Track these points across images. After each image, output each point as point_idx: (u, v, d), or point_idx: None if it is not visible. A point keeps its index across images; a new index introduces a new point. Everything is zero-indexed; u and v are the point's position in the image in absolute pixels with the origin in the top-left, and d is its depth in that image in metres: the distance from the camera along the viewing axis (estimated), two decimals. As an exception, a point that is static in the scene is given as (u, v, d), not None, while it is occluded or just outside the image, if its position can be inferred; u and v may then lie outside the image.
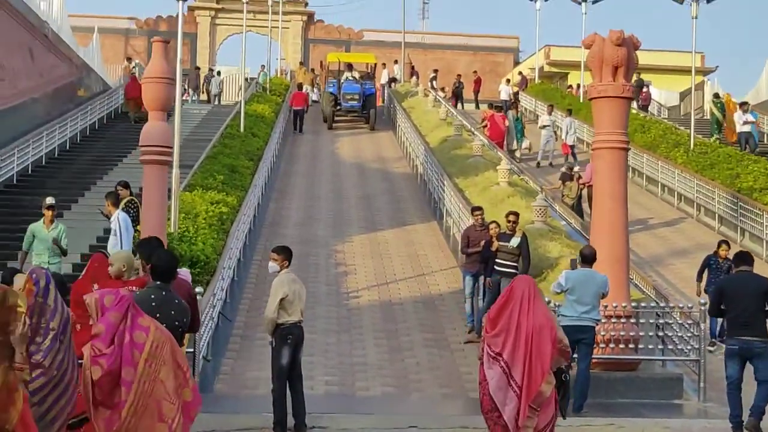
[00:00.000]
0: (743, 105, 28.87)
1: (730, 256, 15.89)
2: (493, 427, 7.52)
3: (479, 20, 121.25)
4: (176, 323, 7.83)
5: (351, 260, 20.01)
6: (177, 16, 61.63)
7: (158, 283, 8.29)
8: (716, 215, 23.13)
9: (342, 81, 38.01)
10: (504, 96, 38.73)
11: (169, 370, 6.52)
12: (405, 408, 12.46)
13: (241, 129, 26.78)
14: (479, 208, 16.16)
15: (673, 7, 31.20)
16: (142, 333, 6.45)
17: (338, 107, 37.86)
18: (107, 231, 18.17)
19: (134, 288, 9.63)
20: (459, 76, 45.77)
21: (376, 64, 43.24)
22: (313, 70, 49.15)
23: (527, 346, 7.35)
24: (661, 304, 13.54)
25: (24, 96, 25.14)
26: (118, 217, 13.89)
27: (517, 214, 15.37)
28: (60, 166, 25.88)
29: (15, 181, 23.31)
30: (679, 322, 13.06)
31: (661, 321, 13.15)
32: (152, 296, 8.13)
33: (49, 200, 15.02)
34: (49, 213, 14.84)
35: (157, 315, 7.85)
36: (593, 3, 38.33)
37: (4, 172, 22.76)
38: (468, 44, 62.04)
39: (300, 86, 39.37)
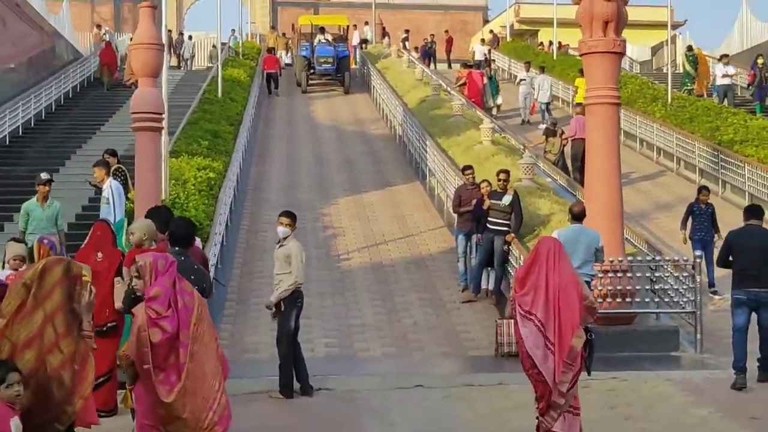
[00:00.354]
0: (723, 57, 28.96)
1: (711, 201, 16.28)
2: (535, 384, 7.58)
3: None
4: (196, 288, 7.82)
5: (338, 223, 20.00)
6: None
7: (177, 249, 8.28)
8: (696, 168, 23.28)
9: (315, 44, 37.42)
10: (479, 56, 38.53)
11: (211, 333, 6.56)
12: (407, 367, 12.52)
13: (219, 94, 26.56)
14: (469, 167, 16.18)
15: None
16: (189, 297, 6.46)
17: (312, 71, 37.30)
18: (92, 200, 18.19)
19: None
20: (432, 35, 45.61)
21: (348, 27, 42.77)
22: (284, 34, 48.75)
23: (556, 303, 7.42)
24: (657, 258, 13.61)
25: (-2, 65, 24.84)
26: (111, 185, 13.79)
27: (507, 172, 15.41)
28: (36, 135, 25.59)
29: (-7, 152, 23.07)
30: (675, 275, 13.19)
31: (656, 274, 13.30)
32: None
33: (44, 175, 14.20)
34: (44, 189, 14.02)
35: None
36: (565, -41, 38.10)
37: (-19, 143, 22.52)
38: (437, 3, 61.73)
39: (271, 50, 39.16)
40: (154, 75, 13.15)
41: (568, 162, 22.44)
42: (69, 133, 25.81)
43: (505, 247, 14.69)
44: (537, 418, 7.64)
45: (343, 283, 16.27)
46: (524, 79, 30.32)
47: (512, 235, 14.70)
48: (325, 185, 23.37)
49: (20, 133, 25.11)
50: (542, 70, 30.56)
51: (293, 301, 10.63)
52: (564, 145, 22.57)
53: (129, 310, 8.49)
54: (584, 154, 21.71)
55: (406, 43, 44.65)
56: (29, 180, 20.99)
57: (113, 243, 10.70)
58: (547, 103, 29.17)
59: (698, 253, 13.31)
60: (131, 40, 36.56)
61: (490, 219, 14.91)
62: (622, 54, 13.58)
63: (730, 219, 18.53)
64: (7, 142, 24.06)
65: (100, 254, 10.32)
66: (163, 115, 13.63)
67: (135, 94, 13.32)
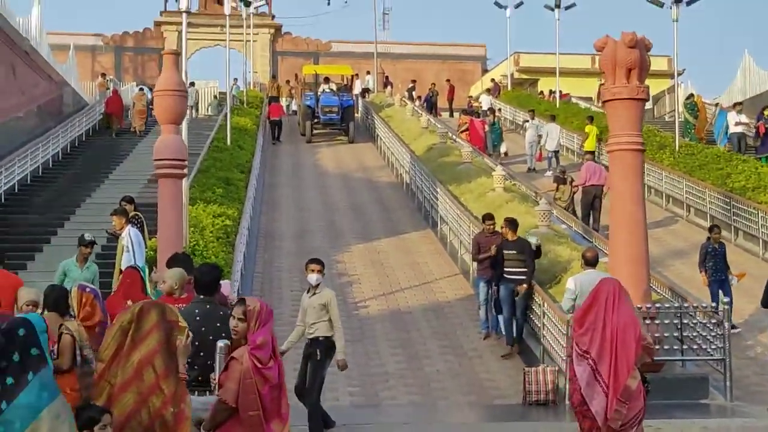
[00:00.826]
0: (737, 105, 29.02)
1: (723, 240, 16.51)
2: (582, 420, 7.77)
3: (441, 29, 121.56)
4: (223, 335, 7.67)
5: (353, 270, 19.87)
6: (143, 31, 61.26)
7: (201, 297, 8.16)
8: (708, 215, 23.20)
9: (319, 93, 37.29)
10: (486, 106, 38.56)
11: None
12: (435, 416, 12.36)
13: (228, 142, 26.56)
14: (491, 217, 16.00)
15: (640, 11, 31.50)
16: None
17: (316, 120, 37.16)
18: (105, 248, 18.01)
19: (182, 305, 9.48)
20: (433, 84, 45.91)
21: (353, 76, 42.76)
22: (288, 81, 48.82)
23: (612, 344, 7.59)
24: (684, 305, 13.51)
25: (8, 114, 24.79)
26: (129, 233, 13.64)
27: (513, 221, 15.30)
28: (45, 183, 25.53)
29: (3, 201, 22.95)
30: (702, 321, 13.07)
31: (684, 321, 13.17)
32: (196, 311, 8.00)
33: (88, 236, 13.42)
34: (85, 251, 13.22)
35: (202, 329, 7.73)
36: (566, 9, 38.45)
37: (-8, 191, 22.44)
38: (436, 53, 62.21)
39: (275, 98, 39.42)
40: (178, 122, 13.12)
41: (578, 209, 22.49)
42: (77, 181, 25.75)
43: (517, 297, 14.49)
44: None
45: (362, 331, 16.11)
46: (531, 129, 30.43)
47: (524, 285, 14.45)
48: (336, 233, 23.29)
49: (29, 181, 25.02)
50: (553, 118, 30.63)
51: (329, 349, 10.51)
52: (574, 192, 22.60)
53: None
54: (595, 200, 22.20)
55: (413, 93, 44.85)
56: (41, 227, 21.06)
57: (143, 290, 10.61)
58: (556, 152, 29.25)
59: (726, 299, 13.21)
60: (138, 88, 37.35)
61: (506, 269, 14.73)
62: (645, 100, 13.57)
63: (743, 265, 18.57)
64: (16, 190, 23.96)
65: (129, 302, 10.20)
66: (186, 162, 13.56)
67: (158, 141, 13.25)
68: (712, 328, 12.94)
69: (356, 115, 40.75)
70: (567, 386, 9.77)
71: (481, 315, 15.66)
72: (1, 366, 5.59)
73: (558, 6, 37.61)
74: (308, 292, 10.90)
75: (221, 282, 10.34)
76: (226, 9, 33.26)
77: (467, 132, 31.89)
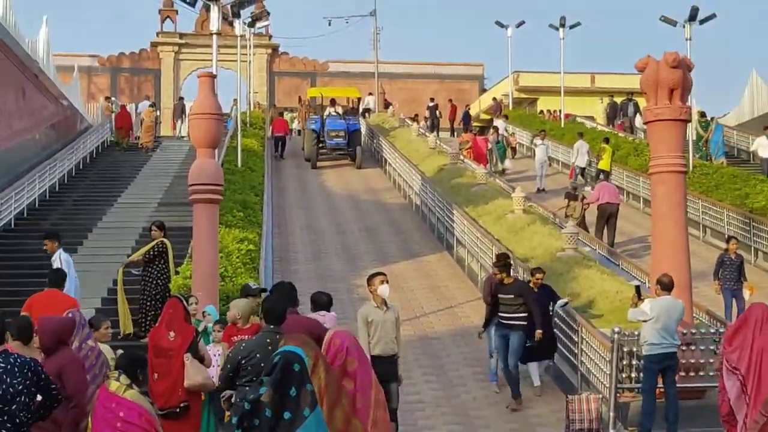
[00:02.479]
0: (766, 129, 28.87)
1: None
2: (729, 429, 8.95)
3: (435, 47, 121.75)
4: None
5: (373, 294, 19.54)
6: (139, 52, 60.88)
7: (271, 327, 7.91)
8: (726, 236, 22.99)
9: (325, 117, 35.69)
10: (502, 131, 36.25)
11: None
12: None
13: (239, 164, 26.28)
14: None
15: (646, 30, 31.52)
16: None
17: (322, 145, 35.49)
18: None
19: (245, 336, 9.17)
20: (436, 105, 45.75)
21: (359, 99, 41.17)
22: (291, 109, 47.96)
23: (758, 361, 8.72)
24: (721, 330, 13.23)
25: (19, 136, 24.47)
26: (60, 257, 13.42)
27: (506, 256, 14.59)
28: (52, 208, 25.15)
29: (12, 225, 22.57)
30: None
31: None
32: (267, 340, 7.78)
33: (254, 285, 11.91)
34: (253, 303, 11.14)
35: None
36: (570, 28, 38.34)
37: (3, 216, 22.02)
38: (433, 72, 62.08)
39: (281, 113, 39.27)
40: (214, 146, 12.83)
41: (590, 228, 22.65)
42: (85, 205, 25.43)
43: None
44: None
45: (392, 357, 15.78)
46: (541, 149, 30.34)
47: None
48: (352, 255, 22.99)
49: (37, 205, 24.63)
50: (581, 135, 30.70)
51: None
52: (585, 209, 22.79)
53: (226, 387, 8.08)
54: (610, 218, 22.26)
55: (437, 112, 44.53)
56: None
57: (185, 319, 10.32)
58: (583, 168, 29.29)
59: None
60: (149, 104, 37.29)
61: (501, 314, 13.55)
62: (688, 121, 13.39)
63: (763, 285, 18.39)
64: (25, 215, 23.58)
65: (172, 333, 9.93)
66: (221, 187, 13.26)
67: (194, 165, 12.93)
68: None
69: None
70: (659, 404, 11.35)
71: (491, 364, 14.35)
72: (279, 399, 5.52)
73: (563, 25, 37.47)
74: (377, 306, 10.52)
75: (326, 314, 10.07)
76: (213, 25, 32.90)
77: (470, 150, 32.06)
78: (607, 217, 22.36)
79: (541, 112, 46.57)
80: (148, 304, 14.54)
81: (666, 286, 11.84)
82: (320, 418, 5.62)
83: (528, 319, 13.31)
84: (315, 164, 34.97)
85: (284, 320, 7.97)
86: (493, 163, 31.55)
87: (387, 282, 10.43)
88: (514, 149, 35.20)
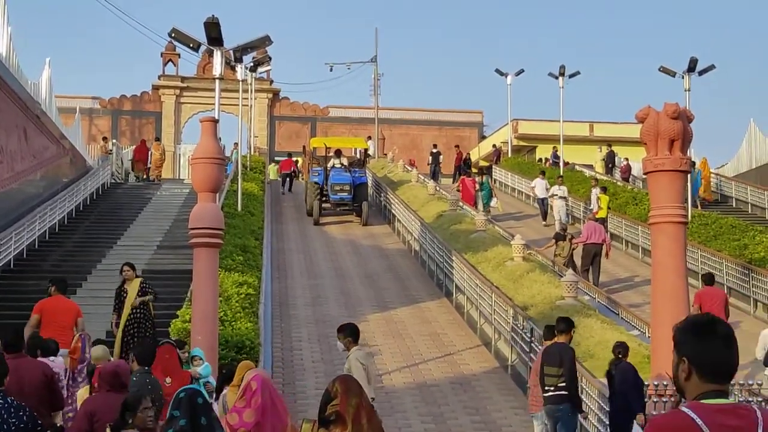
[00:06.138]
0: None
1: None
2: None
3: (433, 94, 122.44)
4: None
5: (372, 341, 19.49)
6: (141, 95, 61.34)
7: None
8: (725, 286, 23.01)
9: (329, 169, 33.16)
10: (540, 192, 32.89)
11: None
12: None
13: (239, 208, 26.31)
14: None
15: (645, 80, 31.65)
16: None
17: (325, 199, 32.83)
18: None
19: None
20: (438, 153, 45.95)
21: (366, 150, 38.51)
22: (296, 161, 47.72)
23: None
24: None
25: (21, 178, 24.54)
26: None
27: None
28: (52, 248, 25.18)
29: (12, 266, 22.56)
30: (749, 399, 12.77)
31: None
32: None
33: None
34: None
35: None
36: (570, 77, 38.58)
37: (3, 256, 22.02)
38: (433, 119, 62.42)
39: (290, 154, 41.30)
40: (215, 190, 12.85)
41: (578, 264, 23.37)
42: (86, 247, 25.42)
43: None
44: None
45: (390, 404, 15.69)
46: (562, 196, 30.59)
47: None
48: (351, 301, 22.94)
49: (36, 246, 24.65)
50: (596, 181, 31.30)
51: None
52: (573, 249, 23.48)
53: None
54: (595, 257, 22.95)
55: (440, 158, 44.84)
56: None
57: (181, 365, 10.35)
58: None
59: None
60: (155, 139, 38.55)
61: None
62: (688, 172, 13.43)
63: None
64: (24, 255, 23.58)
65: (168, 379, 9.97)
66: (222, 231, 13.27)
67: (195, 209, 12.95)
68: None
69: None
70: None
71: None
72: (194, 428, 6.07)
73: (562, 74, 37.71)
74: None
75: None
76: (216, 70, 33.14)
77: (460, 191, 33.80)
78: (593, 256, 23.16)
79: (540, 159, 46.77)
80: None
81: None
82: None
83: None
84: (317, 220, 32.54)
85: (150, 362, 8.77)
86: (477, 204, 32.43)
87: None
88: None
